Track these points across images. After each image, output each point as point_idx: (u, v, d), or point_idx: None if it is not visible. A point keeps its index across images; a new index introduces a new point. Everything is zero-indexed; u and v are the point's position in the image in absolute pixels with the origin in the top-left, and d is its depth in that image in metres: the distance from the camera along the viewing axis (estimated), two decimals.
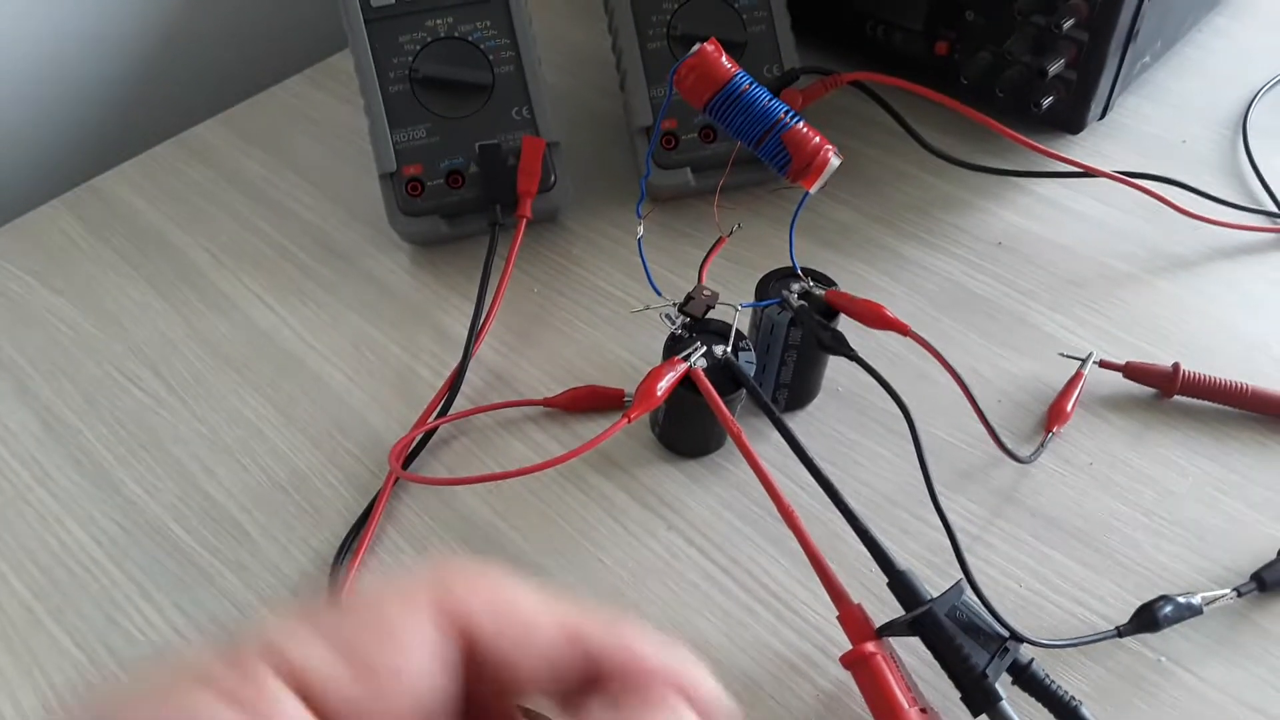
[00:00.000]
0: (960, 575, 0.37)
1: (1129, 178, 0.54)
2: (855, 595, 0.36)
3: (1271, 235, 0.56)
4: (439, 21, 0.53)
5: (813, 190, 0.41)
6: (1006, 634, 0.35)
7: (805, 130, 0.41)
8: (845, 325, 0.44)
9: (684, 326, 0.43)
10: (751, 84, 0.41)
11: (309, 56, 0.70)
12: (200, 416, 0.48)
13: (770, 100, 0.41)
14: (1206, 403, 0.48)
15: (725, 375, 0.42)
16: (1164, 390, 0.48)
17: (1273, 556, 0.42)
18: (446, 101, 0.53)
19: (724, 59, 0.41)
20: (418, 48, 0.53)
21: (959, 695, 0.34)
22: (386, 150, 0.53)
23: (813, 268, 0.46)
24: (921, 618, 0.35)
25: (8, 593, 0.42)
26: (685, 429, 0.46)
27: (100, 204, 0.59)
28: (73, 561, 0.43)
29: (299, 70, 0.69)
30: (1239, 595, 0.40)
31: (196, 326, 0.52)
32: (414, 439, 0.46)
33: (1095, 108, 0.60)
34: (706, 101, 0.41)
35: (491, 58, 0.54)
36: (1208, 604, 0.40)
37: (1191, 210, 0.55)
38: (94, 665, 0.40)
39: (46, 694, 0.39)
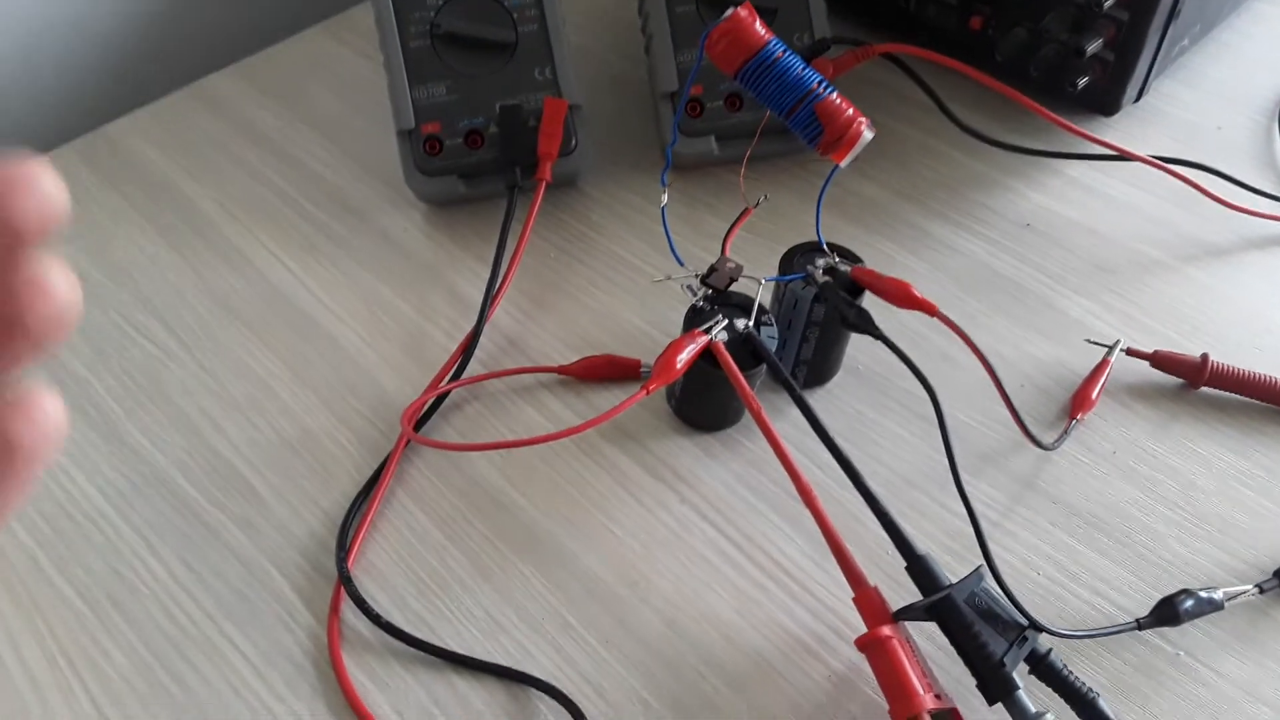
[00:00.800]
0: (980, 561, 0.36)
1: (1163, 162, 0.53)
2: (872, 578, 0.36)
3: None
4: None
5: (843, 164, 0.40)
6: (1025, 623, 0.35)
7: (839, 101, 0.40)
8: (868, 302, 0.43)
9: (706, 298, 0.42)
10: (785, 51, 0.40)
11: (327, 8, 0.69)
12: (210, 371, 0.47)
13: (804, 69, 0.40)
14: (1234, 395, 0.47)
15: (746, 349, 0.41)
16: (1191, 381, 0.47)
17: None
18: (468, 59, 0.52)
19: (758, 24, 0.40)
20: (440, 2, 0.52)
21: (975, 683, 0.34)
22: (405, 107, 0.52)
23: (837, 243, 0.45)
24: (939, 603, 0.34)
25: (12, 542, 0.41)
26: (703, 402, 0.45)
27: (112, 151, 0.58)
28: (78, 512, 0.42)
29: (317, 21, 0.67)
30: (1261, 591, 0.40)
31: (207, 279, 0.51)
32: (426, 402, 0.45)
33: (1131, 90, 0.58)
34: (738, 68, 0.40)
35: (515, 15, 0.53)
36: (1229, 599, 0.39)
37: (1225, 198, 0.54)
38: (97, 617, 0.39)
39: (49, 644, 0.39)
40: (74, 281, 0.17)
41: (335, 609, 0.39)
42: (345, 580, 0.40)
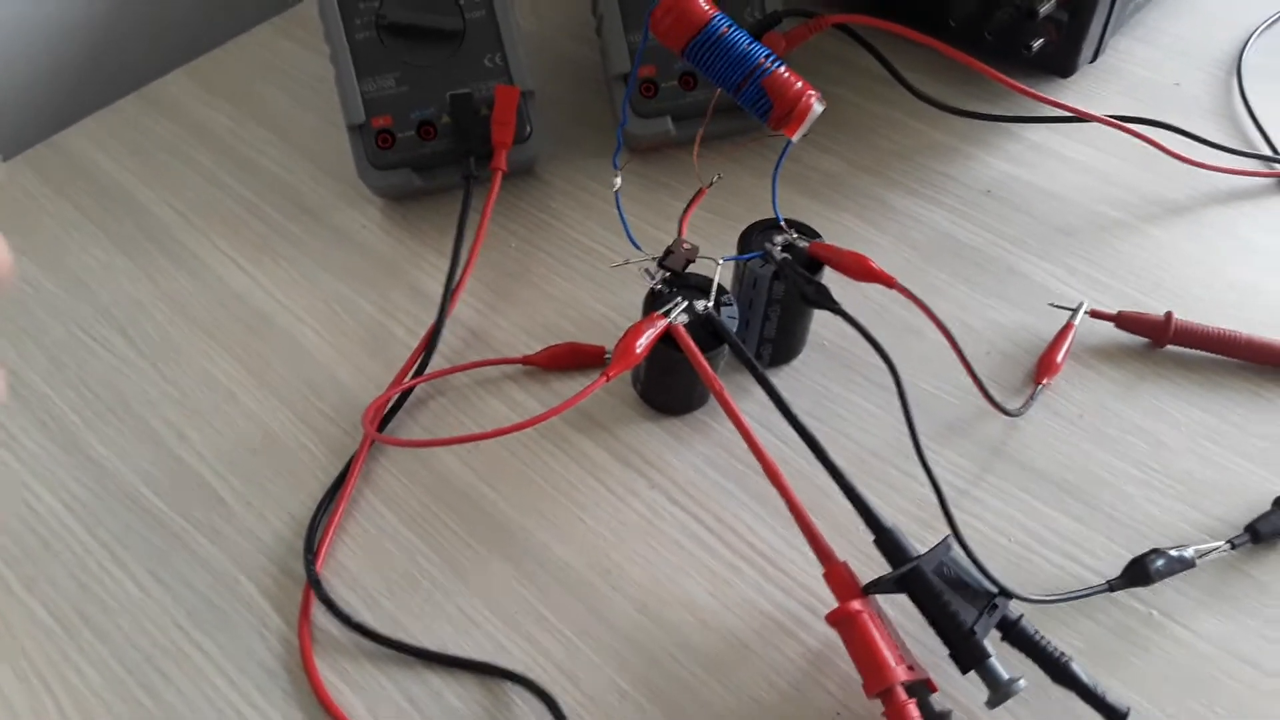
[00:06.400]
0: (948, 531, 0.36)
1: (1121, 122, 0.53)
2: (842, 553, 0.36)
3: (1266, 180, 0.55)
4: None
5: (795, 138, 0.40)
6: (995, 590, 0.35)
7: (787, 75, 0.39)
8: (830, 278, 0.42)
9: (664, 281, 0.42)
10: (731, 26, 0.39)
11: (275, 4, 0.68)
12: (170, 379, 0.47)
13: (751, 44, 0.39)
14: (1200, 352, 0.47)
15: (707, 330, 0.40)
16: (1156, 340, 0.47)
17: (1267, 507, 0.41)
18: (416, 49, 0.51)
19: (702, 0, 0.39)
20: None
21: (948, 652, 0.34)
22: (355, 101, 0.51)
23: (796, 219, 0.44)
24: (908, 575, 0.34)
25: None
26: (667, 386, 0.45)
27: (63, 161, 0.57)
28: (43, 528, 0.42)
29: (265, 19, 0.66)
30: (1232, 547, 0.40)
31: (164, 286, 0.51)
32: (390, 399, 0.45)
33: (1087, 50, 0.58)
34: (684, 45, 0.40)
35: (462, 2, 0.52)
36: (1200, 556, 0.39)
37: (1185, 155, 0.54)
38: (67, 632, 0.39)
39: (20, 662, 0.38)
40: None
41: (305, 612, 0.39)
42: (314, 583, 0.39)
